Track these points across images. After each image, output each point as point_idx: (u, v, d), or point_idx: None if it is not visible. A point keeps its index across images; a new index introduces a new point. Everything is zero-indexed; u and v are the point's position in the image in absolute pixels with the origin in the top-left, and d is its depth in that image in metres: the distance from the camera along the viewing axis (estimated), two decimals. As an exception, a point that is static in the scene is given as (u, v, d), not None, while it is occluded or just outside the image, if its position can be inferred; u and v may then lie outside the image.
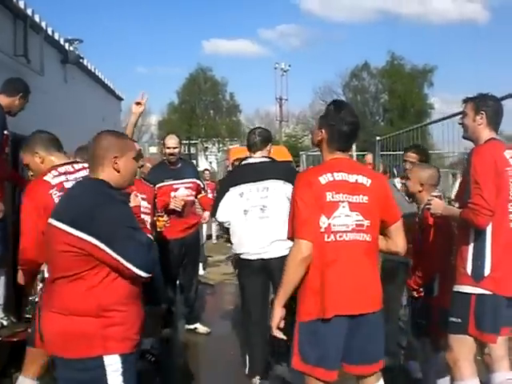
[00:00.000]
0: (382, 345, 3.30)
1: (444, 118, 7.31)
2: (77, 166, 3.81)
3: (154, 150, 40.95)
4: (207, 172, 15.79)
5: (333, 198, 3.16)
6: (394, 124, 47.04)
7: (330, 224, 3.13)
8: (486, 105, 3.79)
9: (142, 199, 5.10)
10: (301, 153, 13.68)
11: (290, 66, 48.43)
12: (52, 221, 2.76)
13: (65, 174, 3.74)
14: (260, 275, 4.92)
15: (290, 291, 3.15)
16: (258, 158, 5.01)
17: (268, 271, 4.84)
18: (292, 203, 3.23)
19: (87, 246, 2.63)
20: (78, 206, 2.72)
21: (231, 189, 4.95)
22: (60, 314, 2.72)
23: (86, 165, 3.59)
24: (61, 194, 3.52)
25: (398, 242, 3.39)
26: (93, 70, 10.39)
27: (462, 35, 71.67)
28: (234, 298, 9.60)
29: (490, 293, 3.62)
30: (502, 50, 70.03)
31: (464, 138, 4.01)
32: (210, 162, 49.43)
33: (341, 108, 3.37)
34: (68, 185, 3.59)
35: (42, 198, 3.57)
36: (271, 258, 4.78)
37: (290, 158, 18.41)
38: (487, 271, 3.64)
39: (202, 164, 44.63)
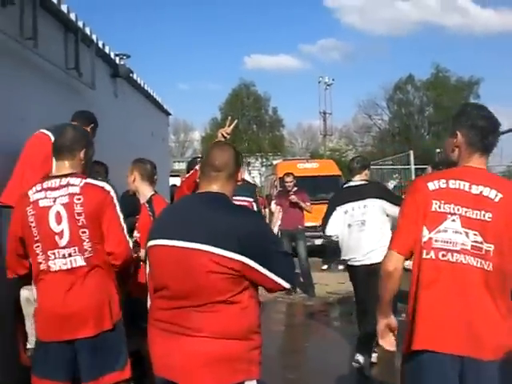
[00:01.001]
0: None
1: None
2: (63, 182, 3.40)
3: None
4: (254, 187, 15.57)
5: (440, 208, 2.68)
6: (441, 137, 46.19)
7: (430, 238, 2.67)
8: None
9: None
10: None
11: (333, 79, 48.34)
12: (184, 243, 2.60)
13: (46, 190, 3.39)
14: (365, 278, 5.58)
15: (388, 302, 2.88)
16: (357, 180, 6.06)
17: (371, 275, 4.96)
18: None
19: (238, 265, 2.53)
20: (220, 225, 2.61)
21: (337, 208, 5.99)
22: (210, 338, 2.56)
23: (73, 180, 3.39)
24: (34, 213, 3.32)
25: None
26: (142, 85, 10.27)
27: (507, 46, 70.17)
28: (286, 318, 9.37)
29: None
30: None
31: None
32: (254, 177, 49.33)
33: (474, 105, 3.10)
34: (43, 203, 3.34)
35: (19, 213, 3.39)
36: (372, 264, 5.39)
37: (339, 172, 18.16)
38: None
39: (246, 179, 44.49)
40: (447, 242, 2.65)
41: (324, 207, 13.61)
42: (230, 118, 4.40)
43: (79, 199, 3.33)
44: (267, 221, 14.58)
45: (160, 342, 2.67)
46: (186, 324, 2.57)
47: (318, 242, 14.70)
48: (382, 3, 69.19)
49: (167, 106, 13.06)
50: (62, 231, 3.33)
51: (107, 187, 3.45)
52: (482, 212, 2.64)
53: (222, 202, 2.73)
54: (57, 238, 3.32)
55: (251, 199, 6.54)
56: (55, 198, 3.33)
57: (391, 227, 5.53)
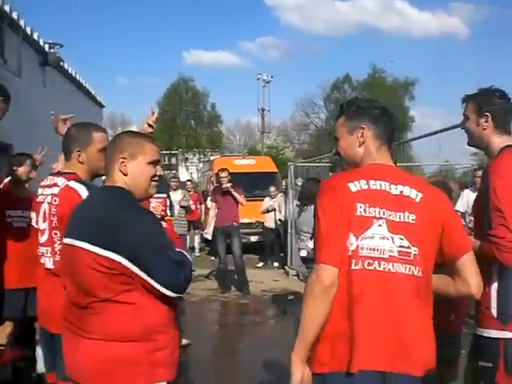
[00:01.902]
0: None
1: (436, 132, 7.16)
2: (54, 180, 3.41)
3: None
4: (189, 183, 15.38)
5: (365, 212, 2.35)
6: (376, 136, 47.03)
7: (357, 246, 2.32)
8: (490, 103, 3.07)
9: None
10: (289, 164, 13.29)
11: (272, 77, 48.26)
12: (72, 241, 2.48)
13: (43, 186, 3.47)
14: None
15: (312, 337, 2.31)
16: None
17: None
18: (315, 219, 2.44)
19: (117, 265, 2.34)
20: (99, 221, 2.42)
21: None
22: (102, 341, 2.38)
23: (59, 180, 3.35)
24: (34, 206, 3.48)
25: (469, 279, 2.47)
26: (74, 75, 9.93)
27: (442, 49, 72.19)
28: (219, 317, 9.21)
29: None
30: (479, 65, 70.48)
31: (469, 145, 3.28)
32: (191, 173, 49.04)
33: (372, 101, 2.77)
34: (38, 199, 3.45)
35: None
36: None
37: (276, 169, 18.16)
38: None
39: (183, 174, 44.20)
40: (373, 250, 2.34)
41: (260, 204, 13.79)
42: (150, 106, 4.19)
43: (55, 200, 3.32)
44: (203, 217, 14.44)
45: (65, 342, 2.59)
46: (80, 325, 2.46)
47: (254, 238, 14.67)
48: (322, 3, 69.85)
49: (101, 97, 12.72)
50: (44, 230, 3.41)
51: (81, 192, 3.23)
52: (406, 213, 2.40)
53: (110, 196, 2.56)
54: (39, 235, 3.44)
55: (164, 195, 6.36)
56: (45, 196, 3.39)
57: None
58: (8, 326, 5.14)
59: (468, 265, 2.48)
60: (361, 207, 2.35)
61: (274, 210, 13.29)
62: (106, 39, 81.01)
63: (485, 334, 3.04)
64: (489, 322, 3.02)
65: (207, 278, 11.51)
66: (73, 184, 3.28)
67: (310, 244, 5.89)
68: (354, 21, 75.52)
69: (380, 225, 2.35)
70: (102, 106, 13.16)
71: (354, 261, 2.31)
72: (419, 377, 2.31)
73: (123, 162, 2.56)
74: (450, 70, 74.57)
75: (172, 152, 46.23)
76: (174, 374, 2.51)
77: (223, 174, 10.19)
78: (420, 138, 9.16)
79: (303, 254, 7.68)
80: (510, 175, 2.91)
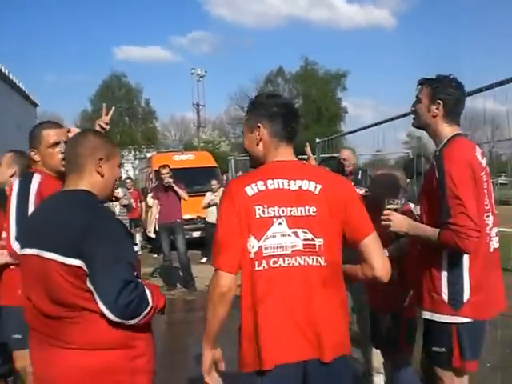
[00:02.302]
0: None
1: (375, 124, 7.31)
2: None
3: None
4: (129, 181, 15.23)
5: (264, 213, 2.43)
6: (310, 128, 47.55)
7: (260, 247, 2.40)
8: (445, 92, 3.13)
9: None
10: (229, 158, 13.31)
11: (206, 71, 48.18)
12: (38, 251, 2.35)
13: None
14: None
15: (215, 332, 2.48)
16: None
17: None
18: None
19: (81, 271, 2.27)
20: (70, 231, 2.30)
21: None
22: (81, 350, 2.31)
23: None
24: None
25: (374, 263, 2.51)
26: (7, 74, 9.65)
27: (372, 40, 73.55)
28: (167, 315, 9.12)
29: (471, 320, 3.07)
30: (406, 54, 72.30)
31: (414, 126, 3.33)
32: (127, 170, 48.35)
33: (269, 95, 2.77)
34: None
35: None
36: None
37: (215, 164, 18.15)
38: (466, 297, 3.06)
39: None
40: (277, 248, 2.42)
41: (201, 199, 13.72)
42: (104, 104, 4.08)
43: None
44: (143, 215, 14.31)
45: (36, 353, 2.46)
46: (55, 335, 2.35)
47: (197, 234, 14.62)
48: (251, -4, 69.91)
49: (34, 96, 12.40)
50: None
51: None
52: (306, 207, 2.47)
53: (73, 201, 2.46)
54: None
55: None
56: None
57: None
58: None
59: (371, 246, 2.52)
60: (259, 209, 2.43)
61: (216, 204, 13.25)
62: (30, 35, 78.55)
63: (435, 319, 3.15)
64: (440, 306, 3.13)
65: (152, 276, 11.40)
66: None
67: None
68: (285, 14, 76.57)
69: (280, 223, 2.43)
70: (35, 105, 12.85)
71: (256, 262, 2.40)
72: (329, 362, 2.41)
73: (100, 164, 2.51)
74: (378, 60, 76.05)
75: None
76: (152, 381, 2.48)
77: (164, 171, 10.10)
78: (357, 130, 9.32)
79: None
80: (464, 163, 3.01)
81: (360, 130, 8.73)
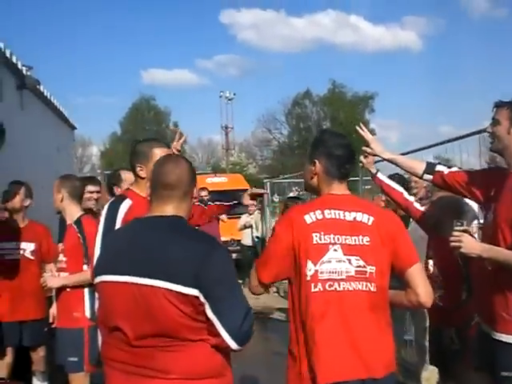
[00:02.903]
0: None
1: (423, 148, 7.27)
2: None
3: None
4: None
5: (321, 239, 2.64)
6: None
7: (316, 271, 2.61)
8: None
9: None
10: (264, 180, 13.30)
11: (234, 94, 48.50)
12: (132, 278, 2.28)
13: None
14: None
15: None
16: None
17: None
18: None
19: (196, 301, 2.22)
20: (182, 257, 2.26)
21: None
22: (181, 380, 2.25)
23: None
24: None
25: (418, 289, 2.71)
26: (48, 97, 9.78)
27: (399, 62, 73.52)
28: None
29: None
30: (433, 77, 72.11)
31: (492, 150, 3.34)
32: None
33: (332, 134, 3.01)
34: None
35: None
36: None
37: (248, 186, 18.14)
38: None
39: (147, 194, 43.84)
40: (332, 273, 2.63)
41: (235, 221, 13.69)
42: (178, 131, 4.17)
43: None
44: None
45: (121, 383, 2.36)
46: (150, 365, 2.26)
47: (233, 256, 14.59)
48: (277, 20, 70.22)
49: (73, 120, 12.55)
50: None
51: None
52: (360, 237, 2.69)
53: (178, 228, 2.40)
54: None
55: None
56: None
57: None
58: (8, 356, 5.03)
59: (416, 275, 2.73)
60: (316, 236, 2.65)
61: (251, 226, 13.22)
62: (59, 59, 79.81)
63: (504, 340, 3.11)
64: (509, 327, 3.09)
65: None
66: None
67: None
68: (311, 37, 76.50)
69: (335, 249, 2.65)
70: (73, 127, 12.98)
71: (312, 284, 2.61)
72: (381, 378, 2.60)
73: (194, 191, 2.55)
74: (406, 82, 75.93)
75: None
76: None
77: (204, 193, 10.15)
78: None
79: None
80: None
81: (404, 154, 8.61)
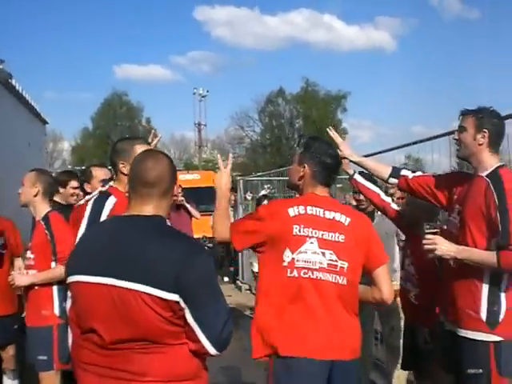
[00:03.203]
0: None
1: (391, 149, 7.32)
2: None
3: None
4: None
5: (300, 231, 2.94)
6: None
7: (293, 259, 2.92)
8: (490, 122, 3.26)
9: None
10: (238, 178, 13.28)
11: (207, 91, 48.37)
12: (109, 280, 2.17)
13: None
14: None
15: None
16: None
17: None
18: None
19: (176, 306, 2.14)
20: (162, 261, 2.16)
21: None
22: (159, 383, 2.17)
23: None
24: None
25: (383, 287, 3.06)
26: (20, 91, 9.64)
27: (372, 62, 74.02)
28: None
29: (503, 339, 3.17)
30: (406, 77, 72.67)
31: (458, 157, 3.51)
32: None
33: (323, 143, 3.22)
34: None
35: None
36: None
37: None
38: (501, 317, 3.17)
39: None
40: (307, 262, 2.91)
41: (208, 219, 13.60)
42: (153, 131, 4.18)
43: None
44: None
45: None
46: (127, 368, 2.18)
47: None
48: (250, 18, 70.14)
49: (44, 114, 12.38)
50: None
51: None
52: (336, 234, 2.98)
53: (157, 229, 2.29)
54: None
55: None
56: None
57: None
58: None
59: (382, 275, 3.07)
60: (296, 228, 2.94)
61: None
62: (30, 53, 78.66)
63: (470, 336, 3.23)
64: (476, 324, 3.22)
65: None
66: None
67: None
68: (284, 35, 76.67)
69: (312, 242, 2.94)
70: (45, 122, 12.80)
71: (289, 270, 2.91)
72: (348, 360, 2.92)
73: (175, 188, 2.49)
74: (379, 82, 76.48)
75: (109, 167, 45.53)
76: None
77: (178, 190, 10.03)
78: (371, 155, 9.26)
79: (255, 268, 7.63)
80: None
81: (373, 154, 8.69)
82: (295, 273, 2.90)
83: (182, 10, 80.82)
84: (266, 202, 8.12)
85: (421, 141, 5.83)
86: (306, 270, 2.90)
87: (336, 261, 2.94)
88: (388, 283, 3.09)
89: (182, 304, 2.13)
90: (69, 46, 78.89)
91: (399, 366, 4.74)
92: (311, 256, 2.92)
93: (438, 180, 3.64)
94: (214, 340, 2.18)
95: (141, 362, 2.18)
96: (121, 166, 3.48)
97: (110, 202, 3.36)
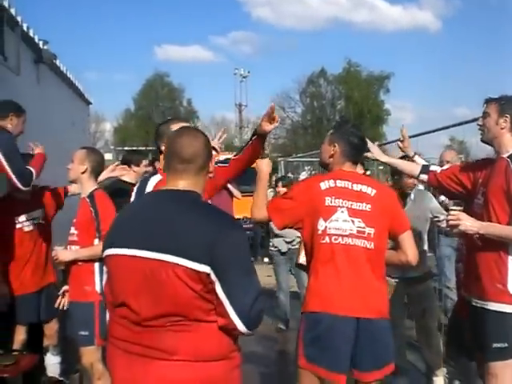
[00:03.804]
0: (391, 350, 3.34)
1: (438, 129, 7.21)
2: None
3: (109, 156, 40.04)
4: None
5: (331, 202, 3.30)
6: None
7: (326, 227, 3.27)
8: (511, 107, 3.55)
9: None
10: (279, 159, 13.29)
11: (249, 72, 48.27)
12: (143, 252, 2.21)
13: None
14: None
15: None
16: None
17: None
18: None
19: (208, 278, 2.17)
20: (196, 232, 2.19)
21: None
22: (186, 362, 2.19)
23: None
24: None
25: (407, 251, 3.41)
26: (64, 72, 9.79)
27: (415, 43, 72.68)
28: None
29: None
30: (452, 59, 71.21)
31: (482, 141, 3.71)
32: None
33: (348, 123, 3.65)
34: None
35: None
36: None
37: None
38: None
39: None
40: (338, 229, 3.27)
41: (248, 199, 13.63)
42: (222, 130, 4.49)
43: None
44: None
45: (123, 364, 2.29)
46: (156, 346, 2.20)
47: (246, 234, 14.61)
48: (292, -3, 69.65)
49: (88, 95, 12.56)
50: None
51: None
52: (364, 204, 3.33)
53: (192, 203, 2.33)
54: None
55: None
56: None
57: None
58: (21, 333, 5.06)
59: (406, 240, 3.42)
60: (328, 199, 3.31)
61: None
62: (74, 34, 79.45)
63: (498, 309, 3.41)
64: (505, 297, 3.41)
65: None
66: None
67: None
68: (326, 15, 76.19)
69: (342, 211, 3.29)
70: (89, 103, 12.97)
71: (322, 237, 3.28)
72: (374, 319, 3.22)
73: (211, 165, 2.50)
74: (422, 63, 75.18)
75: (148, 148, 45.91)
76: None
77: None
78: (416, 136, 9.16)
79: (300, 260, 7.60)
80: None
81: (412, 136, 8.61)
82: (327, 239, 3.26)
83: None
84: (280, 184, 8.07)
85: (465, 122, 5.78)
86: (337, 237, 3.25)
87: (364, 227, 3.28)
88: (412, 247, 3.43)
89: (213, 277, 2.15)
90: (110, 27, 79.48)
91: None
92: (342, 224, 3.27)
93: (463, 168, 3.97)
94: (243, 315, 2.17)
95: (170, 340, 2.19)
96: (163, 147, 3.47)
97: (154, 179, 3.43)
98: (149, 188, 3.36)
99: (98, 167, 4.49)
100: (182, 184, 2.36)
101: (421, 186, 4.82)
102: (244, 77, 48.07)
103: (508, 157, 3.50)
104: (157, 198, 2.43)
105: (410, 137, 7.71)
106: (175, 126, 3.30)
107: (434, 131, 7.15)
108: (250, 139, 3.70)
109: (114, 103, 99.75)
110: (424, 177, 4.05)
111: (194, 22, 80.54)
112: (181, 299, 2.17)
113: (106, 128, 58.09)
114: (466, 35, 72.97)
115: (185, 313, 2.19)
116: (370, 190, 3.37)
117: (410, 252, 3.41)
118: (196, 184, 2.39)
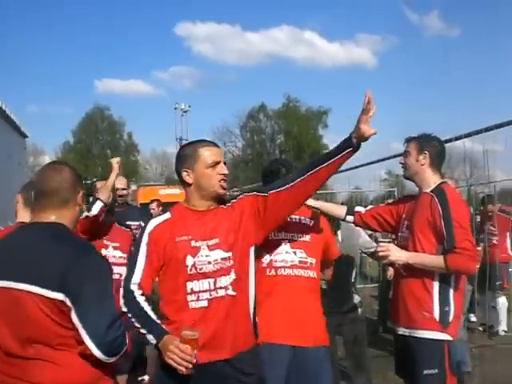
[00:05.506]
0: (327, 378, 3.40)
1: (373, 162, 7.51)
2: None
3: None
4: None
5: (275, 235, 3.36)
6: (292, 164, 47.66)
7: (271, 260, 3.38)
8: (429, 145, 3.72)
9: (114, 248, 4.85)
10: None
11: (189, 106, 48.39)
12: (9, 283, 2.22)
13: None
14: None
15: None
16: None
17: None
18: None
19: (64, 306, 2.18)
20: (50, 261, 2.22)
21: None
22: None
23: None
24: None
25: (328, 274, 3.90)
26: (0, 105, 9.73)
27: (353, 78, 74.43)
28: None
29: (452, 339, 3.51)
30: (387, 95, 73.21)
31: (405, 177, 3.89)
32: (108, 203, 47.86)
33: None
34: None
35: None
36: None
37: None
38: (451, 317, 3.50)
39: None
40: (282, 261, 3.39)
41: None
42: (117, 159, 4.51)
43: None
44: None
45: None
46: (26, 378, 2.19)
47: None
48: (232, 34, 70.48)
49: (24, 128, 12.45)
50: None
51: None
52: (304, 234, 3.46)
53: (53, 234, 2.33)
54: None
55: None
56: None
57: None
58: None
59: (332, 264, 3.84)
60: (273, 232, 3.29)
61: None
62: (11, 67, 78.02)
63: (427, 336, 3.50)
64: (432, 325, 3.50)
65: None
66: None
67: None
68: (266, 51, 76.87)
69: (285, 243, 3.41)
70: (25, 136, 12.86)
71: (268, 269, 3.37)
72: (310, 348, 3.31)
73: (80, 197, 2.51)
74: (359, 98, 76.71)
75: (87, 182, 45.26)
76: None
77: (153, 205, 10.10)
78: (348, 170, 9.42)
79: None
80: (459, 197, 3.72)
81: (349, 169, 8.89)
82: (273, 272, 3.39)
83: (163, 25, 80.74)
84: None
85: (399, 155, 6.05)
86: (280, 269, 3.40)
87: (306, 258, 3.44)
88: (331, 270, 3.91)
89: (69, 303, 2.16)
90: (50, 60, 78.48)
91: None
92: (285, 256, 3.42)
93: (386, 206, 4.14)
94: (98, 340, 2.15)
95: (37, 371, 2.20)
96: (184, 174, 2.91)
97: (152, 224, 2.94)
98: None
99: (30, 199, 4.44)
100: (47, 217, 2.39)
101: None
102: (185, 111, 48.03)
103: (431, 191, 3.61)
104: (21, 231, 2.45)
105: (348, 169, 8.06)
106: (204, 150, 2.89)
107: (369, 164, 7.42)
108: (338, 152, 2.97)
109: (53, 136, 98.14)
110: (350, 218, 4.04)
111: (135, 56, 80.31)
112: (41, 327, 2.18)
113: (44, 161, 57.01)
114: (402, 71, 75.10)
115: (47, 341, 2.20)
116: (308, 221, 3.52)
117: (329, 275, 3.93)
118: (62, 216, 2.40)
